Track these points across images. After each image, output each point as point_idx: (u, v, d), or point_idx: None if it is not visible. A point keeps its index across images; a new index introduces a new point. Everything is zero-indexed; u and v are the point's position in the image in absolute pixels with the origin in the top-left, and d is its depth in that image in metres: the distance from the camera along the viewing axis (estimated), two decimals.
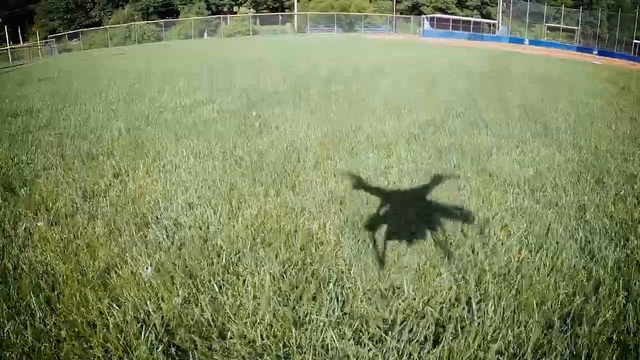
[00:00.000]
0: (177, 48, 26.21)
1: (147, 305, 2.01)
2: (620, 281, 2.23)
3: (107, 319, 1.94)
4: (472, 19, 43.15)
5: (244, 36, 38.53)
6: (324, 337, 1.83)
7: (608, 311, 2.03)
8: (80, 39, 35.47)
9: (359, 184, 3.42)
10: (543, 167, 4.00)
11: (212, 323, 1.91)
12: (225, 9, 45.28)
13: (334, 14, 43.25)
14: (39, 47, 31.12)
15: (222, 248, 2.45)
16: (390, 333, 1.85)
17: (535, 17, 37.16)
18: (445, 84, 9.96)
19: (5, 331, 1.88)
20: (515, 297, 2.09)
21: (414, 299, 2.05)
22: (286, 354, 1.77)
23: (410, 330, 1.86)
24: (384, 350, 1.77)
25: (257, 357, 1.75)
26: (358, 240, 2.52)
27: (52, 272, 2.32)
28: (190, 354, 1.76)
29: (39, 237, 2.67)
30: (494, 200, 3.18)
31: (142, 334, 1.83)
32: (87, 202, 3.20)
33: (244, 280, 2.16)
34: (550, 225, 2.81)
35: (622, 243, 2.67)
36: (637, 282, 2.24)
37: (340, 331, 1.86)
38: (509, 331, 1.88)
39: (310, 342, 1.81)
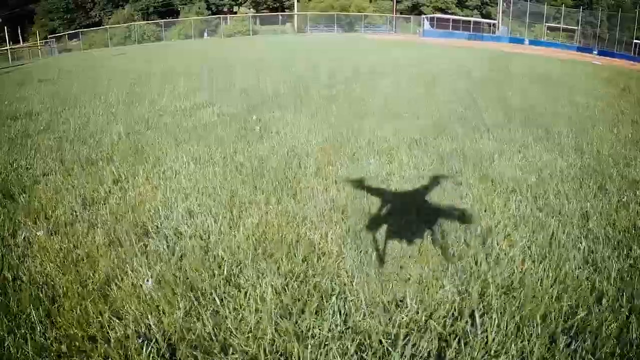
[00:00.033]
0: (177, 48, 26.19)
1: (148, 319, 1.99)
2: (624, 293, 2.22)
3: (108, 333, 1.92)
4: (472, 19, 43.12)
5: (244, 36, 38.51)
6: (327, 352, 1.81)
7: (611, 324, 2.01)
8: (80, 39, 35.43)
9: (361, 191, 3.39)
10: (545, 173, 3.98)
11: (213, 337, 1.89)
12: (225, 9, 45.22)
13: (334, 14, 43.20)
14: (39, 47, 31.08)
15: (223, 259, 2.43)
16: (393, 348, 1.83)
17: (535, 17, 37.14)
18: (446, 85, 9.96)
19: (5, 346, 1.87)
20: (518, 309, 2.08)
21: (417, 312, 2.04)
22: None
23: (414, 345, 1.85)
24: None
25: None
26: (360, 251, 2.51)
27: (52, 283, 2.30)
28: None
29: (38, 246, 2.66)
30: (497, 208, 3.17)
31: (144, 349, 1.81)
32: (87, 210, 3.18)
33: (246, 293, 2.15)
34: (553, 234, 2.80)
35: (624, 252, 2.65)
36: None
37: (343, 346, 1.85)
38: (512, 345, 1.86)
39: (313, 357, 1.79)
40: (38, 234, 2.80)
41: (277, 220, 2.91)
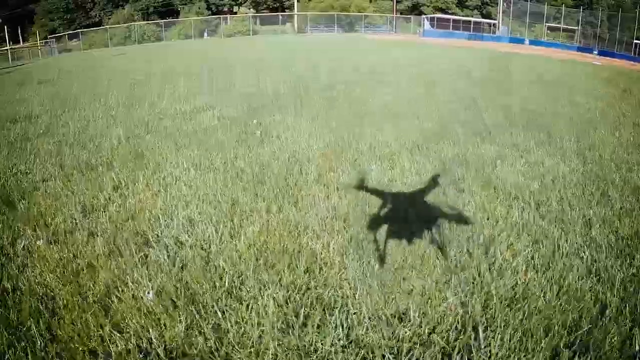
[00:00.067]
0: (177, 48, 26.16)
1: (149, 333, 1.97)
2: (627, 304, 2.20)
3: (109, 347, 1.91)
4: (472, 19, 43.06)
5: (244, 36, 38.46)
6: None
7: (614, 336, 2.00)
8: (80, 39, 35.38)
9: (362, 199, 3.37)
10: (548, 179, 3.96)
11: (215, 352, 1.88)
12: (225, 9, 45.15)
13: (334, 14, 43.14)
14: (39, 48, 31.04)
15: (224, 270, 2.41)
16: None
17: (536, 17, 37.07)
18: (446, 85, 9.94)
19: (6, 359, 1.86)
20: (521, 322, 2.06)
21: (420, 325, 2.02)
22: None
23: None
24: None
25: None
26: (362, 262, 2.49)
27: (52, 294, 2.28)
28: None
29: (38, 256, 2.64)
30: (499, 216, 3.15)
31: None
32: (87, 217, 3.16)
33: (248, 306, 2.13)
34: (556, 243, 2.78)
35: (627, 261, 2.64)
36: None
37: None
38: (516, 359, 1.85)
39: None
40: (38, 243, 2.78)
41: (278, 229, 2.89)
